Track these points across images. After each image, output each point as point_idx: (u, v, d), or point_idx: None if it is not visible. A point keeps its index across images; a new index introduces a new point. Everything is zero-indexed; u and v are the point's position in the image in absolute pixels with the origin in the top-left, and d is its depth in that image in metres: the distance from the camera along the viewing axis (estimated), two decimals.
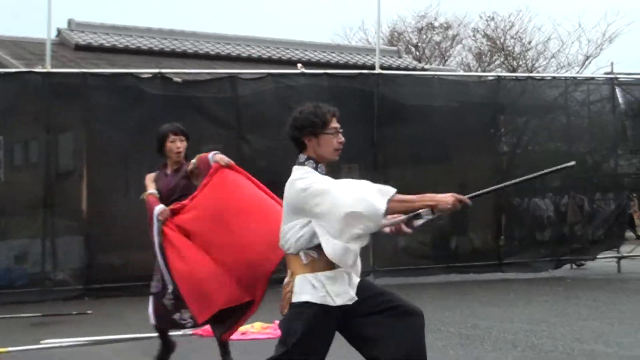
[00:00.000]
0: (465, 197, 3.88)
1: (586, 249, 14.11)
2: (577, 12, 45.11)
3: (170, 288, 5.65)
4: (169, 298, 5.71)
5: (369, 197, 3.70)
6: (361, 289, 3.96)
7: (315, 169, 3.94)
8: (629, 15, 51.61)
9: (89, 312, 9.72)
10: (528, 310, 9.23)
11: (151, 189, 5.93)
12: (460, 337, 7.46)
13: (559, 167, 4.11)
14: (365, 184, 3.80)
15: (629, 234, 16.22)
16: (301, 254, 3.87)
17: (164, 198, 5.83)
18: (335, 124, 3.97)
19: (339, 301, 3.83)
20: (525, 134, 14.98)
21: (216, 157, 5.62)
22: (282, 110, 12.39)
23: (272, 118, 12.32)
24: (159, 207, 5.75)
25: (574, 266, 14.69)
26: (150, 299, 5.89)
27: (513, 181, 4.09)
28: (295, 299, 3.87)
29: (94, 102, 11.73)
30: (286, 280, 3.98)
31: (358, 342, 3.95)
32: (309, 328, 3.81)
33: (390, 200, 3.70)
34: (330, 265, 3.81)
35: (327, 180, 3.87)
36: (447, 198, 3.84)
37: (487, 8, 48.23)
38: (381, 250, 12.34)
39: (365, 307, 3.91)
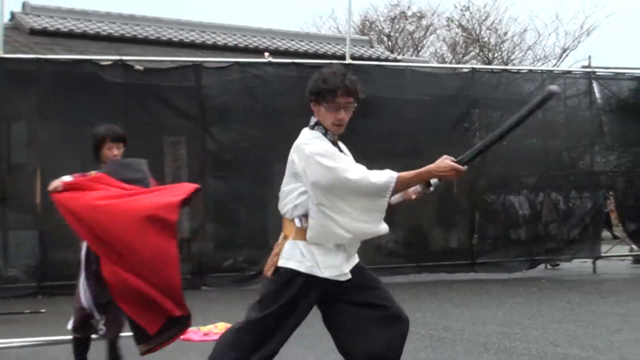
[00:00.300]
0: (460, 167, 3.98)
1: (561, 249, 14.23)
2: (554, 3, 45.52)
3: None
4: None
5: (372, 178, 3.82)
6: (358, 275, 3.99)
7: (325, 134, 3.96)
8: (608, 7, 52.23)
9: (42, 310, 9.60)
10: (501, 311, 9.29)
11: None
12: (431, 339, 7.48)
13: (543, 97, 4.06)
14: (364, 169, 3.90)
15: (606, 233, 16.36)
16: (296, 218, 3.91)
17: None
18: (342, 98, 3.92)
19: (327, 273, 3.85)
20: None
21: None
22: (248, 101, 12.38)
23: (238, 109, 12.30)
24: None
25: (549, 266, 14.84)
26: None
27: (500, 130, 4.10)
28: (282, 263, 3.90)
29: (49, 90, 11.57)
30: (278, 241, 4.00)
31: (334, 327, 3.98)
32: (290, 297, 3.84)
33: (394, 185, 3.87)
34: None
35: (333, 152, 3.88)
36: (446, 170, 3.96)
37: None
38: None
39: (356, 295, 3.93)
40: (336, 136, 4.03)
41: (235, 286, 11.97)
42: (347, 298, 3.92)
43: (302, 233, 3.88)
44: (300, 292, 3.84)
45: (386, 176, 3.86)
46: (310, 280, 3.84)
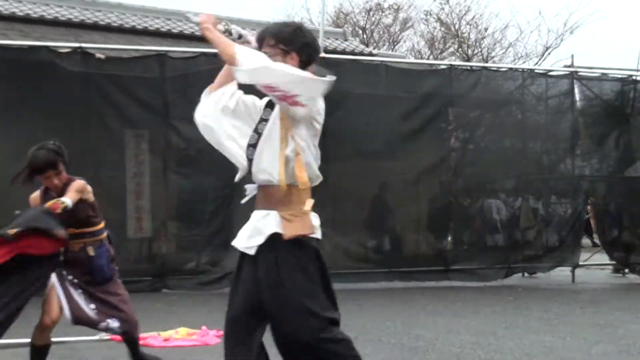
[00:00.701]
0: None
1: (539, 257, 14.32)
2: None
3: None
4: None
5: None
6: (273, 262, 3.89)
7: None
8: (593, 5, 52.67)
9: None
10: (475, 321, 9.35)
11: None
12: (402, 349, 7.51)
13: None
14: None
15: (585, 240, 16.51)
16: None
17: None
18: (268, 47, 3.99)
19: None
20: (478, 129, 15.18)
21: None
22: None
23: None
24: None
25: (526, 275, 14.93)
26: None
27: None
28: None
29: (2, 78, 11.44)
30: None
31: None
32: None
33: None
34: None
35: None
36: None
37: None
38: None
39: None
40: None
41: (197, 289, 11.94)
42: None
43: None
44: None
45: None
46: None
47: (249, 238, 3.90)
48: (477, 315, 9.82)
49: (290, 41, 3.97)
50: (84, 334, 7.58)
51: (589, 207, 15.89)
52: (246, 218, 4.03)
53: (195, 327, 7.86)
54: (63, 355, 6.95)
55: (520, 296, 11.95)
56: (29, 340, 6.01)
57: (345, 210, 12.97)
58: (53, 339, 6.01)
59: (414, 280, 13.09)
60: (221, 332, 7.49)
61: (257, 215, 3.92)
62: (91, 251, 5.77)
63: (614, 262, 15.42)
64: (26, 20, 15.37)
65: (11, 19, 15.21)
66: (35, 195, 6.00)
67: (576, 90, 14.67)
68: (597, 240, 16.83)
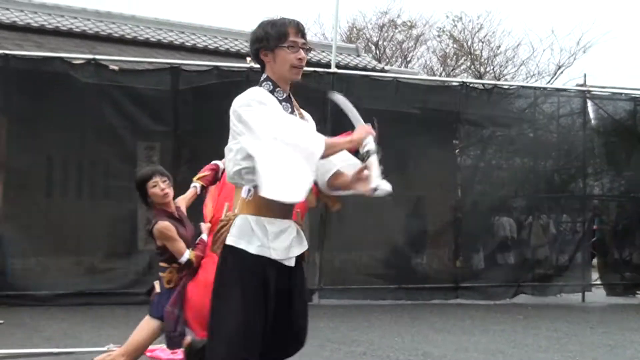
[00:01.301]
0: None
1: (550, 276, 14.24)
2: (550, 17, 45.83)
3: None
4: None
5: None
6: (297, 275, 3.86)
7: (272, 92, 3.84)
8: (605, 25, 52.71)
9: (0, 322, 9.54)
10: (484, 339, 9.31)
11: (184, 247, 5.57)
12: None
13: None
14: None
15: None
16: (244, 187, 3.78)
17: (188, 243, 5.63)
18: (296, 37, 3.81)
19: (275, 255, 3.71)
20: (489, 147, 15.15)
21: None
22: (226, 108, 12.36)
23: (215, 116, 12.25)
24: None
25: (535, 293, 14.85)
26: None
27: None
28: (230, 241, 3.75)
29: (16, 88, 11.48)
30: (224, 214, 3.94)
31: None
32: (244, 280, 3.70)
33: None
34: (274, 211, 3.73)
35: (271, 113, 3.72)
36: (361, 133, 3.96)
37: (454, 7, 48.76)
38: (329, 267, 12.36)
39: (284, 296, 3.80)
40: (288, 92, 3.91)
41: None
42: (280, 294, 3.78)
43: (251, 204, 3.74)
44: (253, 274, 3.68)
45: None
46: (263, 262, 3.69)
47: (288, 249, 3.76)
48: (486, 334, 9.78)
49: None
50: (90, 345, 7.62)
51: (595, 227, 15.83)
52: None
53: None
54: None
55: (529, 315, 11.90)
56: (42, 350, 6.02)
57: (355, 225, 12.96)
58: (58, 350, 5.99)
59: (422, 297, 13.05)
60: None
61: (281, 225, 3.75)
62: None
63: (624, 282, 15.32)
64: (41, 31, 15.46)
65: (26, 29, 15.31)
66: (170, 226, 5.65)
67: (589, 109, 14.64)
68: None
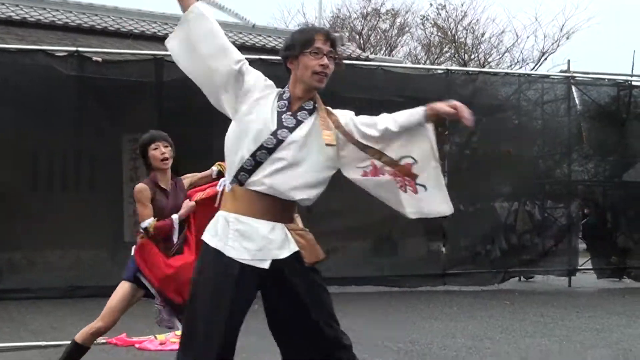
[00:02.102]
0: None
1: (536, 261, 14.33)
2: (533, 4, 45.92)
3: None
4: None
5: None
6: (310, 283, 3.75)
7: (282, 95, 3.82)
8: (589, 10, 52.87)
9: None
10: (471, 325, 9.35)
11: (150, 214, 5.55)
12: (398, 353, 7.52)
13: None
14: None
15: (582, 245, 16.50)
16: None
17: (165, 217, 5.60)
18: (321, 44, 3.77)
19: (233, 254, 3.63)
20: (474, 134, 15.17)
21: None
22: None
23: (200, 108, 12.20)
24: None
25: (522, 279, 14.94)
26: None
27: None
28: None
29: None
30: None
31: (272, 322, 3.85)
32: (205, 273, 3.69)
33: None
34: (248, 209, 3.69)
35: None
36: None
37: None
38: None
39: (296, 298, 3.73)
40: (299, 102, 3.84)
41: None
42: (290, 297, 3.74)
43: (228, 202, 3.76)
44: (215, 271, 3.65)
45: None
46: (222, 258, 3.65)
47: (257, 250, 3.65)
48: (473, 320, 9.82)
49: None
50: None
51: (586, 210, 15.93)
52: None
53: None
54: None
55: (516, 300, 11.96)
56: (29, 343, 6.01)
57: (340, 214, 12.96)
58: (45, 343, 6.00)
59: (410, 285, 13.09)
60: None
61: (260, 225, 3.67)
62: None
63: (611, 267, 15.43)
64: (23, 24, 15.38)
65: (8, 22, 15.22)
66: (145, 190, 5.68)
67: (574, 95, 14.69)
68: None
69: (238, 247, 3.63)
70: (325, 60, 3.78)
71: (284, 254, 3.67)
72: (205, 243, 3.71)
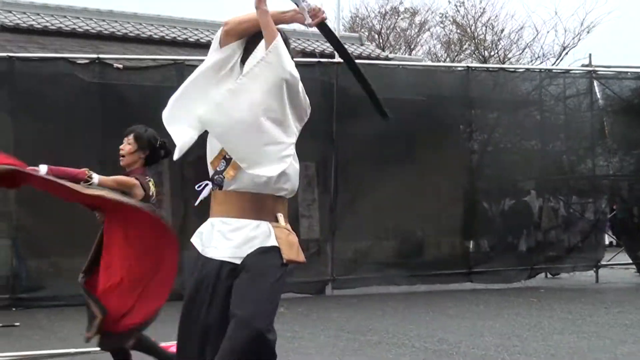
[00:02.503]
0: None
1: (562, 257, 14.25)
2: None
3: None
4: None
5: None
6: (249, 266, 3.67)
7: None
8: (610, 3, 52.46)
9: (16, 324, 9.57)
10: (499, 323, 9.31)
11: None
12: (426, 352, 7.49)
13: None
14: None
15: (611, 240, 16.41)
16: None
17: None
18: None
19: (214, 254, 3.70)
20: (497, 131, 15.13)
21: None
22: None
23: None
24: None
25: (549, 275, 14.87)
26: None
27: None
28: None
29: (22, 90, 11.53)
30: None
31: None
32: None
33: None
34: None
35: None
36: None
37: None
38: (341, 257, 12.37)
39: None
40: None
41: None
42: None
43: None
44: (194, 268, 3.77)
45: None
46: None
47: (237, 247, 3.68)
48: (500, 317, 9.78)
49: None
50: None
51: (614, 206, 15.80)
52: None
53: None
54: None
55: (543, 297, 11.89)
56: (58, 350, 6.03)
57: (365, 214, 12.96)
58: (74, 350, 6.00)
59: (436, 283, 13.06)
60: None
61: (244, 224, 3.69)
62: None
63: (638, 262, 15.35)
64: (44, 32, 15.49)
65: (30, 31, 15.35)
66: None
67: (596, 89, 14.59)
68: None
69: (220, 247, 3.69)
70: None
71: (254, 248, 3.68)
72: (194, 246, 3.80)
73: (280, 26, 3.82)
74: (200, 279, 3.70)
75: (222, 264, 3.66)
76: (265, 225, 3.69)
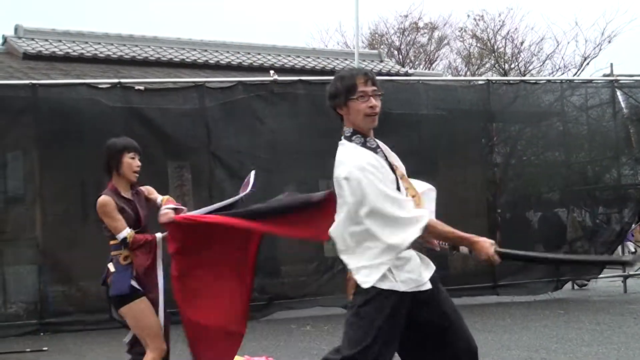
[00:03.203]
0: (500, 252, 4.08)
1: (588, 268, 14.13)
2: (573, 9, 45.59)
3: None
4: None
5: (402, 225, 3.89)
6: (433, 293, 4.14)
7: (364, 144, 4.02)
8: (630, 12, 52.30)
9: (44, 349, 9.65)
10: (526, 336, 9.28)
11: (124, 225, 5.49)
12: None
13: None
14: (402, 203, 3.95)
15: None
16: None
17: (140, 229, 5.57)
18: (365, 87, 3.99)
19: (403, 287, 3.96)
20: (519, 143, 15.10)
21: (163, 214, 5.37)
22: (254, 122, 12.43)
23: (245, 130, 12.32)
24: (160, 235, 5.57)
25: (576, 287, 14.77)
26: None
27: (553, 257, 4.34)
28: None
29: (45, 117, 11.63)
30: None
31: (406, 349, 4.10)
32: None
33: (422, 231, 3.93)
34: None
35: (370, 179, 3.88)
36: (486, 247, 4.03)
37: (475, 6, 48.72)
38: None
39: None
40: (372, 137, 4.10)
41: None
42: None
43: None
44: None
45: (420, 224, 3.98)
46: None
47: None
48: (527, 330, 9.74)
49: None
50: None
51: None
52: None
53: (241, 354, 7.90)
54: None
55: (570, 309, 11.83)
56: None
57: None
58: None
59: (462, 296, 12.99)
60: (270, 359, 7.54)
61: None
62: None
63: None
64: (66, 59, 15.66)
65: (52, 58, 15.51)
66: (110, 202, 5.55)
67: (619, 98, 14.53)
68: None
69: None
70: (373, 102, 4.00)
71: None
72: None
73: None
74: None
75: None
76: None
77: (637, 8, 42.98)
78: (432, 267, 4.15)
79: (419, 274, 4.02)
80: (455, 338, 4.08)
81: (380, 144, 4.14)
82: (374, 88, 4.02)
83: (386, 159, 4.09)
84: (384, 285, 3.89)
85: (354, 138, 4.03)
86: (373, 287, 3.88)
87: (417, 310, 3.99)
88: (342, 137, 4.08)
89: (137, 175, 5.71)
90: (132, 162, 5.66)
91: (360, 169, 3.87)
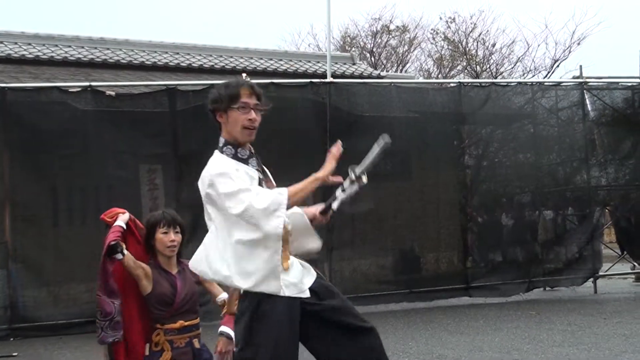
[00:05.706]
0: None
1: (560, 269, 14.22)
2: (543, 12, 45.89)
3: None
4: None
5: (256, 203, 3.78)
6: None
7: (235, 155, 3.98)
8: (599, 15, 52.82)
9: (14, 354, 9.55)
10: (499, 337, 9.31)
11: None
12: None
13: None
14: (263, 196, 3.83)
15: (607, 250, 16.36)
16: None
17: (176, 307, 5.06)
18: (248, 99, 3.97)
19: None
20: (491, 145, 15.17)
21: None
22: None
23: (216, 134, 12.27)
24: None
25: (547, 288, 14.84)
26: None
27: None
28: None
29: (15, 120, 11.53)
30: None
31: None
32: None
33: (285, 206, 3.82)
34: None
35: (238, 181, 3.86)
36: (326, 168, 4.22)
37: (447, 8, 48.90)
38: (339, 276, 12.35)
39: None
40: (247, 148, 4.03)
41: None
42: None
43: None
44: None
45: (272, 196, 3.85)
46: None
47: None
48: (499, 332, 9.77)
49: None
50: None
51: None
52: None
53: None
54: None
55: (542, 310, 11.88)
56: None
57: (362, 232, 12.97)
58: None
59: (434, 299, 13.04)
60: None
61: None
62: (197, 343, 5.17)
63: (636, 271, 15.37)
64: (36, 62, 15.54)
65: (21, 61, 15.40)
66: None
67: (587, 101, 14.62)
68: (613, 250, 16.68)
69: None
70: (253, 115, 3.97)
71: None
72: None
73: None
74: None
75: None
76: None
77: (605, 10, 43.42)
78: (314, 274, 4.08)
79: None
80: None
81: (256, 155, 4.09)
82: (257, 102, 3.99)
83: (259, 168, 4.06)
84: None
85: (225, 149, 3.99)
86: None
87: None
88: (218, 147, 4.03)
89: (175, 249, 5.20)
90: (163, 238, 5.19)
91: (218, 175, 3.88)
